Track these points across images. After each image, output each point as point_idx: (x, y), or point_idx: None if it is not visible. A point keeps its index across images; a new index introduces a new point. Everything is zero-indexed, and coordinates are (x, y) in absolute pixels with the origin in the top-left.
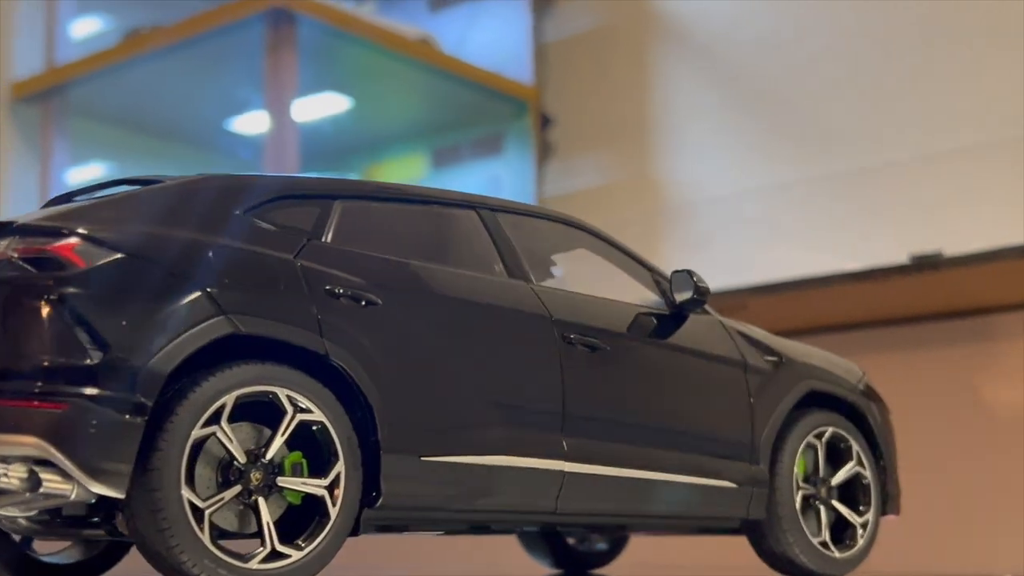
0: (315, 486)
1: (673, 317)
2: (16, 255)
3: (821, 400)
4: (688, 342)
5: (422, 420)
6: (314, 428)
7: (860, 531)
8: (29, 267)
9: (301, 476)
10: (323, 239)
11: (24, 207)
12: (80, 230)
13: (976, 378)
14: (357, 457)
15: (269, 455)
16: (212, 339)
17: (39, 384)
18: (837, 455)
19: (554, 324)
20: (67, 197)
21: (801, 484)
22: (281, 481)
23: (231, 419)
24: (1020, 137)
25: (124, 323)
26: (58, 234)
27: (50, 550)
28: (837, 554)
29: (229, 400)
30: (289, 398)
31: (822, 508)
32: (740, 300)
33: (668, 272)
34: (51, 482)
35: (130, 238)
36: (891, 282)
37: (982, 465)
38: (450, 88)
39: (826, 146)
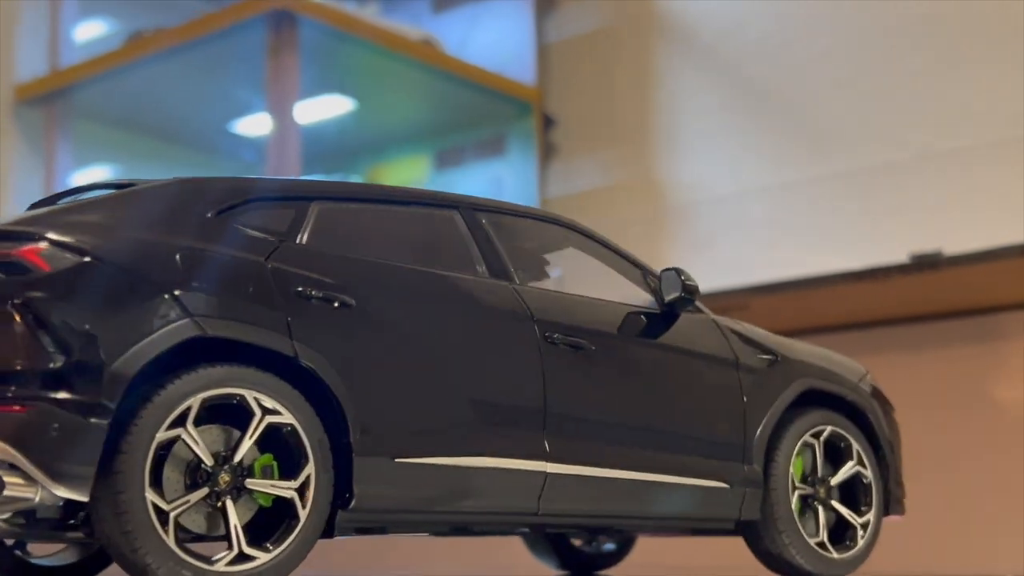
0: (284, 488)
1: (663, 316)
2: None
3: (820, 399)
4: (678, 341)
5: (396, 422)
6: (284, 430)
7: (860, 532)
8: None
9: (271, 478)
10: (297, 241)
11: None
12: (46, 234)
13: (977, 378)
14: (328, 459)
15: (237, 457)
16: (177, 342)
17: (2, 387)
18: (838, 455)
19: (536, 324)
20: (51, 200)
21: (797, 484)
22: (250, 483)
23: (199, 422)
24: (1020, 137)
25: (88, 327)
26: (24, 238)
27: (44, 552)
28: (836, 555)
29: (195, 403)
30: (257, 400)
31: (820, 508)
32: (742, 300)
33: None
34: (15, 486)
35: (97, 242)
36: (891, 282)
37: (982, 464)
38: (453, 89)
39: (828, 146)
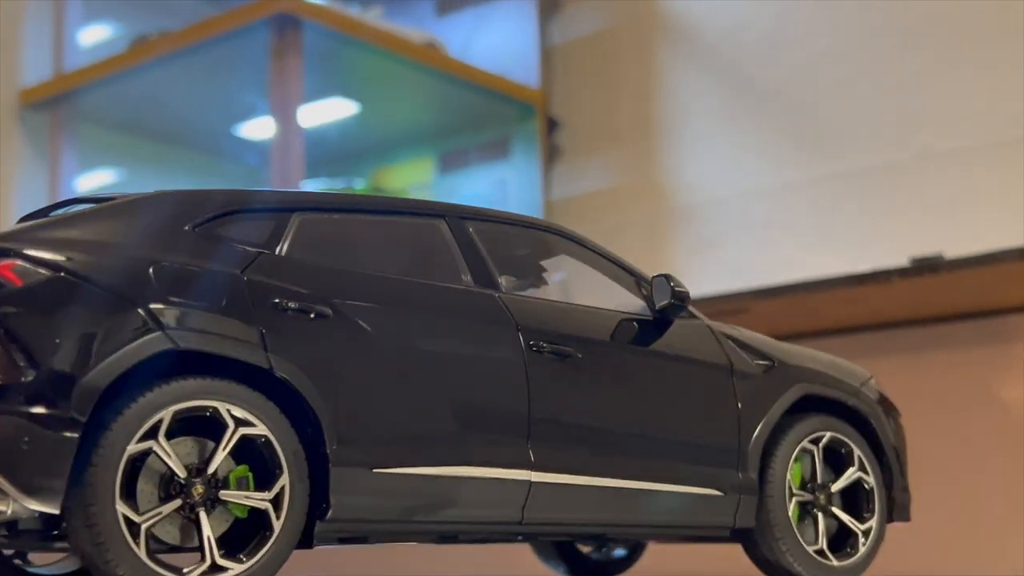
0: (258, 500)
1: (655, 323)
2: None
3: (821, 405)
4: (668, 348)
5: (374, 432)
6: (259, 442)
7: (862, 539)
8: None
9: (247, 490)
10: (277, 252)
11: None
12: (19, 250)
13: (980, 380)
14: (303, 470)
15: (211, 469)
16: (148, 355)
17: None
18: (841, 461)
19: (520, 332)
20: (42, 213)
21: (795, 491)
22: (224, 495)
23: (175, 434)
24: (1021, 138)
25: (58, 341)
26: None
27: (44, 561)
28: (835, 562)
29: (166, 415)
30: (230, 412)
31: (820, 515)
32: (742, 303)
33: (676, 271)
34: None
35: (70, 257)
36: (892, 285)
37: (985, 467)
38: (456, 92)
39: (829, 147)
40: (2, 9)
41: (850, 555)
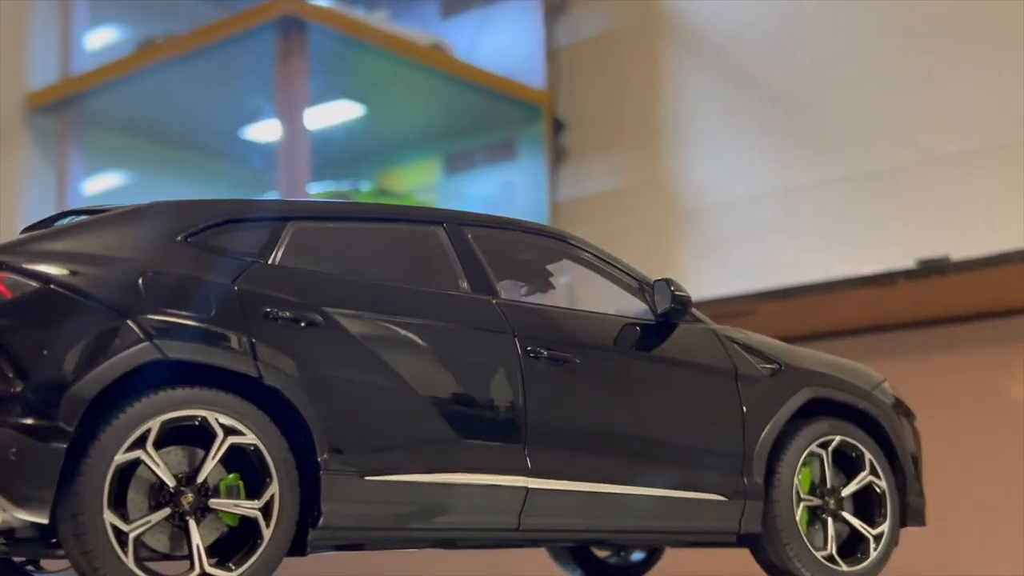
0: (248, 508)
1: (657, 327)
2: None
3: (831, 408)
4: (670, 352)
5: (366, 440)
6: (248, 450)
7: (873, 544)
8: None
9: (237, 498)
10: (270, 261)
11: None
12: (8, 263)
13: (988, 381)
14: (293, 478)
15: (200, 478)
16: (136, 365)
17: None
18: (853, 465)
19: (516, 338)
20: (46, 223)
21: (803, 496)
22: (214, 503)
23: (165, 443)
24: None
25: (46, 352)
26: None
27: (57, 568)
28: (845, 568)
29: (154, 425)
30: (218, 421)
31: (830, 520)
32: (748, 305)
33: (683, 273)
34: None
35: (59, 269)
36: (899, 287)
37: (994, 468)
38: (462, 94)
39: (836, 150)
40: (9, 13)
41: (861, 560)
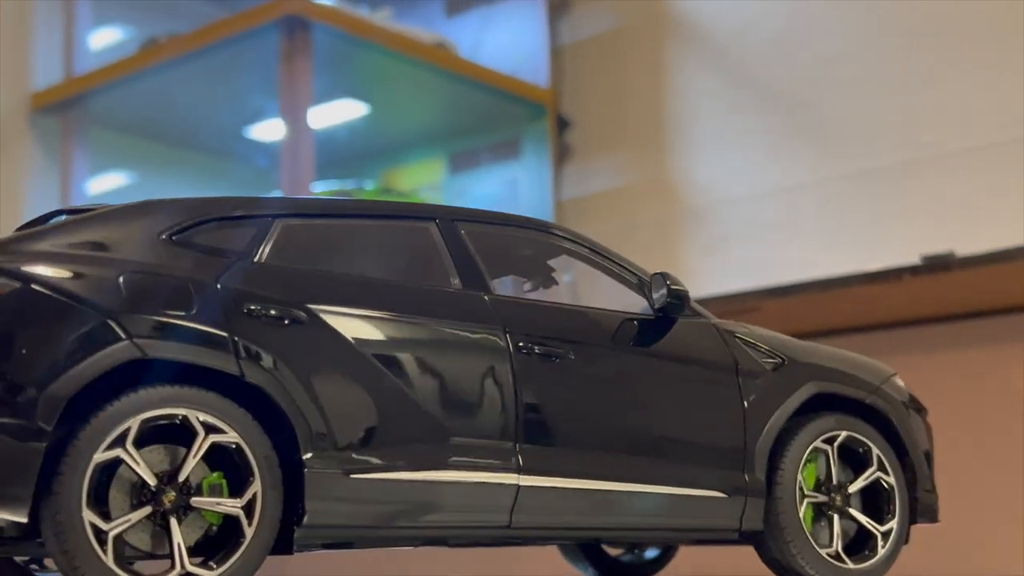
0: (230, 506)
1: (655, 322)
2: None
3: (838, 403)
4: (667, 347)
5: (351, 438)
6: (231, 448)
7: (881, 541)
8: None
9: (220, 496)
10: (256, 259)
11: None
12: None
13: (993, 378)
14: (276, 476)
15: (182, 476)
16: (114, 364)
17: None
18: (861, 461)
19: (507, 334)
20: (39, 221)
21: (808, 492)
22: (195, 501)
23: (148, 442)
24: None
25: (25, 351)
26: None
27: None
28: (852, 565)
29: (134, 423)
30: (199, 419)
31: (836, 517)
32: (752, 303)
33: (687, 271)
34: None
35: (40, 268)
36: (903, 283)
37: (1000, 466)
38: (467, 92)
39: (840, 147)
40: (12, 13)
41: (868, 558)
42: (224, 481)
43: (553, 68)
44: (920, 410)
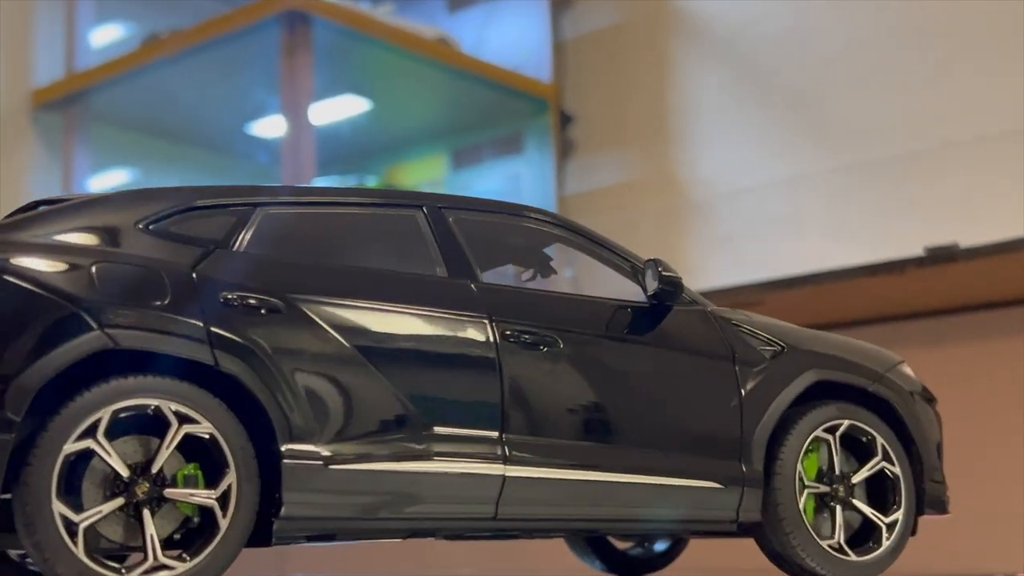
0: (204, 497)
1: (649, 310)
2: None
3: (841, 392)
4: (661, 335)
5: (330, 428)
6: (205, 439)
7: (886, 533)
8: None
9: (195, 488)
10: (234, 247)
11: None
12: None
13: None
14: (252, 467)
15: (155, 468)
16: (84, 354)
17: None
18: (866, 451)
19: (493, 322)
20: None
21: (809, 483)
22: (169, 493)
23: (121, 432)
24: None
25: None
26: None
27: None
28: (854, 557)
29: (105, 414)
30: (172, 410)
31: (839, 508)
32: (756, 295)
33: (692, 264)
34: None
35: (11, 258)
36: (907, 275)
37: (1006, 459)
38: (469, 88)
39: (843, 140)
40: (14, 10)
41: (872, 549)
42: (200, 472)
43: (556, 63)
44: (930, 399)
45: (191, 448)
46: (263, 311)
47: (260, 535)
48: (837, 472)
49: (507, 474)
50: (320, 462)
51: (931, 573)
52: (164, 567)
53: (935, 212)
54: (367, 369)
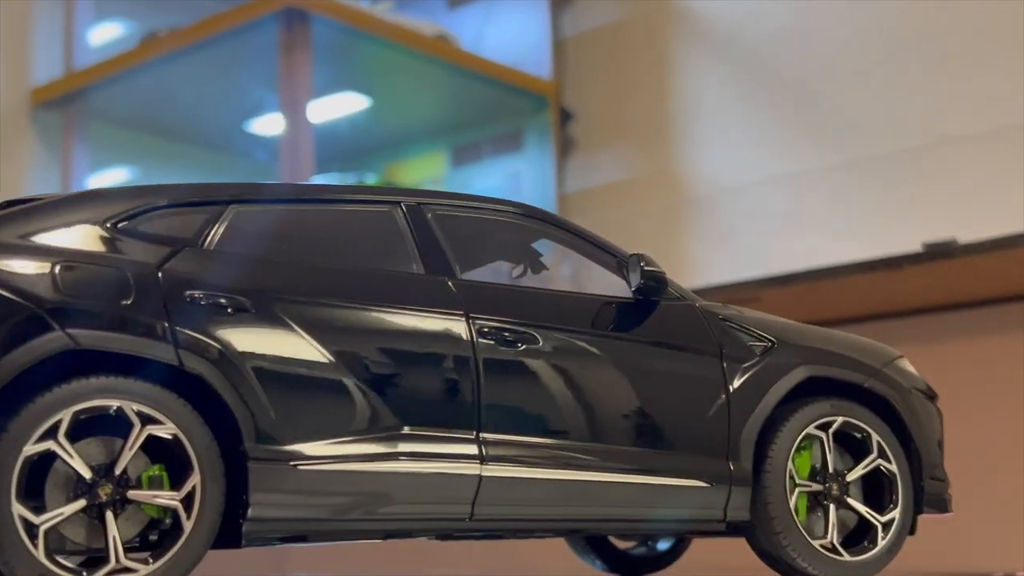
0: (167, 499)
1: (633, 305)
2: None
3: (835, 388)
4: (644, 330)
5: (298, 428)
6: (169, 440)
7: (881, 532)
8: None
9: (160, 489)
10: (204, 246)
11: None
12: None
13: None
14: (217, 468)
15: (118, 469)
16: (44, 355)
17: None
18: (861, 448)
19: (469, 319)
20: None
21: (800, 481)
22: (132, 494)
23: (84, 434)
24: None
25: None
26: None
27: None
28: (848, 557)
29: (66, 415)
30: (135, 411)
31: (832, 507)
32: (752, 292)
33: (692, 261)
34: None
35: None
36: (905, 271)
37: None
38: (469, 85)
39: (842, 136)
40: (12, 9)
41: (867, 549)
42: (165, 474)
43: (556, 60)
44: (931, 395)
45: (158, 450)
46: (230, 310)
47: (232, 537)
48: (831, 470)
49: (484, 474)
50: (288, 463)
51: (931, 572)
52: (127, 570)
53: (934, 208)
54: (337, 368)
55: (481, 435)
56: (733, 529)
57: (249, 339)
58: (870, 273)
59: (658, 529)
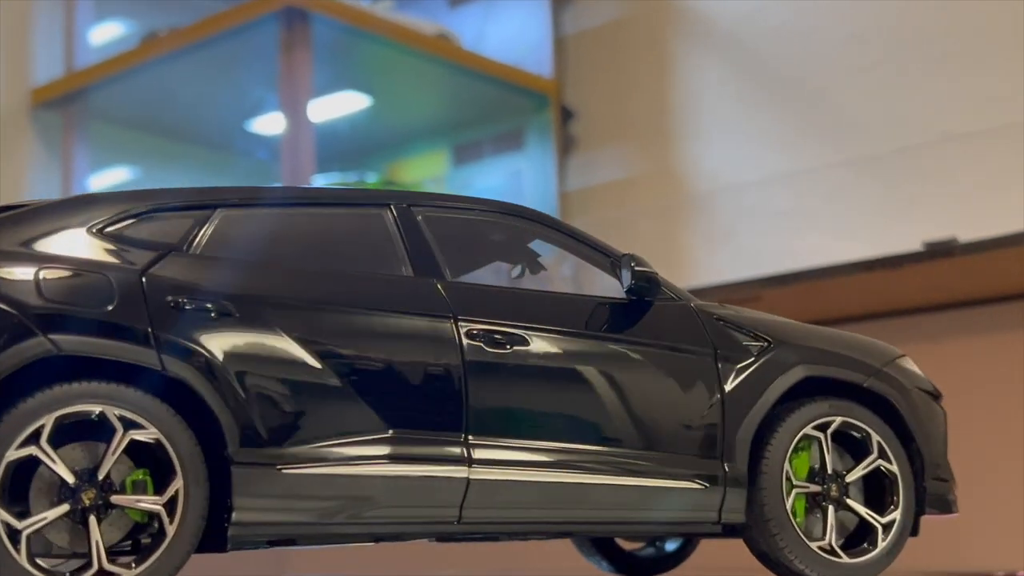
0: (150, 504)
1: (626, 305)
2: None
3: (835, 387)
4: (637, 331)
5: (283, 431)
6: (152, 444)
7: (881, 534)
8: None
9: (144, 494)
10: (189, 251)
11: None
12: None
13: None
14: (200, 472)
15: (101, 474)
16: (26, 360)
17: None
18: (861, 449)
19: (457, 321)
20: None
21: (796, 482)
22: (115, 499)
23: (69, 439)
24: None
25: None
26: None
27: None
28: (846, 559)
29: (48, 421)
30: (117, 416)
31: (830, 508)
32: (753, 291)
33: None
34: None
35: None
36: (905, 270)
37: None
38: (470, 84)
39: (843, 134)
40: (13, 8)
41: (867, 551)
42: (149, 478)
43: (556, 58)
44: (934, 395)
45: (142, 454)
46: (214, 314)
47: (218, 541)
48: (829, 471)
49: (471, 477)
50: (272, 466)
51: (931, 572)
52: (110, 574)
53: (935, 207)
54: (322, 372)
55: (468, 438)
56: (729, 531)
57: (233, 343)
58: (870, 272)
59: (650, 531)
